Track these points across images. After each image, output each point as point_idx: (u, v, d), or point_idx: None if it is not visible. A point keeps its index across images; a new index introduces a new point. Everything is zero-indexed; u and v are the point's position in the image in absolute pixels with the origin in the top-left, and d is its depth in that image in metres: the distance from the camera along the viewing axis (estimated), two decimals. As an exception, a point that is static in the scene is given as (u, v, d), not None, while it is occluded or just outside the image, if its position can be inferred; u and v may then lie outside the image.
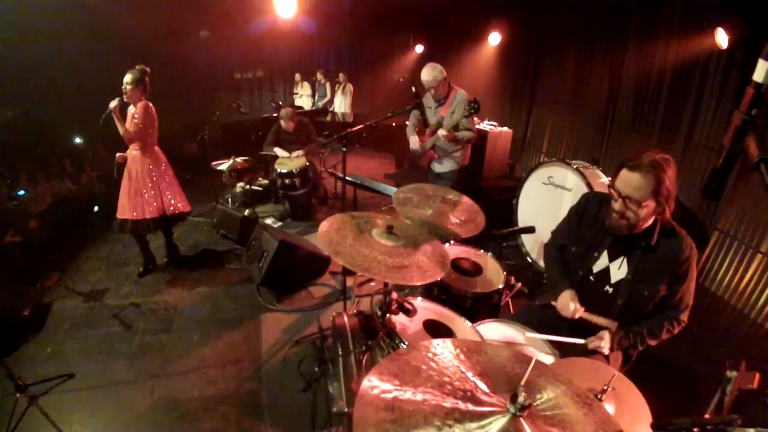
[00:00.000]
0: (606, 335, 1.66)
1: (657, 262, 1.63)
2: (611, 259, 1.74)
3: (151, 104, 3.25)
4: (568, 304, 1.73)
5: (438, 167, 3.49)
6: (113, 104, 3.08)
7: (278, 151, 4.72)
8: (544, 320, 1.86)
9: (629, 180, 1.52)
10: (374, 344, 1.59)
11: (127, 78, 3.10)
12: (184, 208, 3.60)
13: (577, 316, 1.72)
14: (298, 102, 8.25)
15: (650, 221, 1.60)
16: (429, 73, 3.20)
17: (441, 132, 3.13)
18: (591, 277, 1.78)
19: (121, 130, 3.14)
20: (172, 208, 3.47)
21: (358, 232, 1.67)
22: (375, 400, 0.87)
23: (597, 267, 1.77)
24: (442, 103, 3.31)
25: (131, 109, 3.22)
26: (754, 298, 3.12)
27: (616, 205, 1.58)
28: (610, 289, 1.74)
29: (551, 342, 1.73)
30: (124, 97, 3.12)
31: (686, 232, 1.65)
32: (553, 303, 1.83)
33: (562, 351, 1.71)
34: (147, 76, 3.17)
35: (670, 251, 1.61)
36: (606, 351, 1.64)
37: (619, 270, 1.72)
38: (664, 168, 1.48)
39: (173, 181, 3.53)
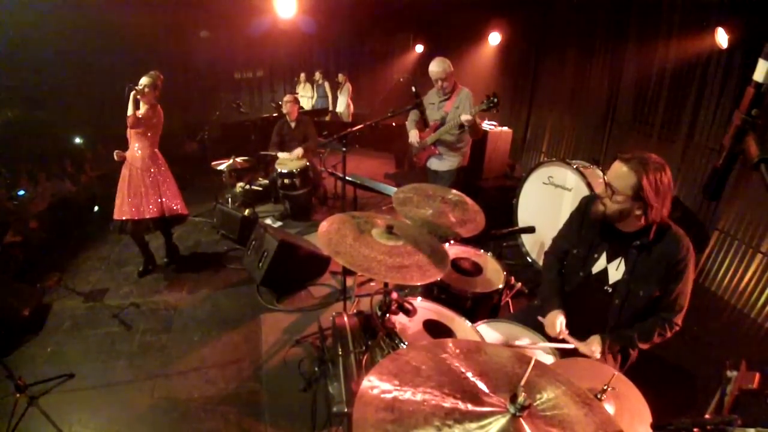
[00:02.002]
0: (597, 339, 1.67)
1: (653, 262, 1.63)
2: (609, 259, 1.74)
3: (160, 107, 3.35)
4: (555, 324, 1.75)
5: (437, 165, 3.47)
6: (140, 86, 3.17)
7: (281, 154, 4.74)
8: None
9: (615, 168, 1.59)
10: (374, 344, 1.60)
11: (145, 81, 3.21)
12: (182, 211, 3.61)
13: (560, 337, 1.74)
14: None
15: (639, 221, 1.60)
16: (438, 65, 3.19)
17: (465, 117, 3.02)
18: (591, 278, 1.79)
19: (129, 111, 3.17)
20: (170, 210, 3.48)
21: (358, 232, 1.67)
22: (375, 400, 0.87)
23: (596, 268, 1.78)
24: (447, 98, 3.30)
25: (142, 108, 3.26)
26: (754, 298, 3.12)
27: (599, 191, 1.66)
28: (610, 289, 1.74)
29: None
30: (139, 96, 3.17)
31: (684, 233, 1.64)
32: (540, 319, 1.84)
33: (558, 349, 1.71)
34: (160, 81, 3.30)
35: (666, 251, 1.61)
36: (597, 355, 1.65)
37: (616, 270, 1.72)
38: (651, 170, 1.51)
39: (172, 182, 3.53)
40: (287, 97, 4.75)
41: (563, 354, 1.69)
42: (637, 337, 1.66)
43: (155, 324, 3.05)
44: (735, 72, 3.26)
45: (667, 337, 1.67)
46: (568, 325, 1.76)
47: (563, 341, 1.71)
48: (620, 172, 1.56)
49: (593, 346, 1.66)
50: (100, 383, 2.51)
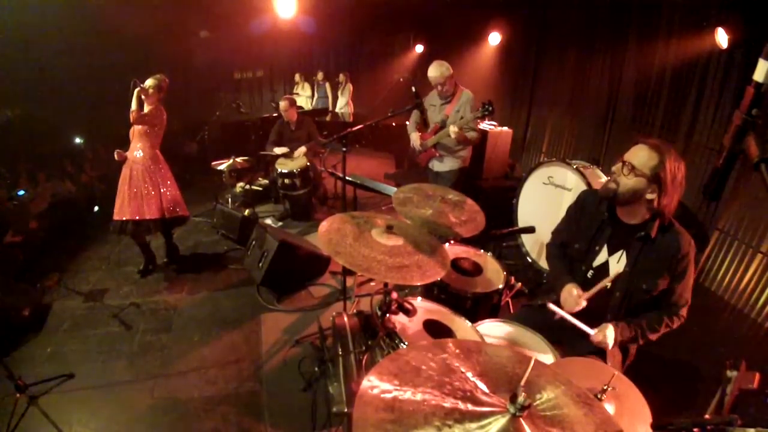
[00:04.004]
0: (610, 327, 1.63)
1: (656, 256, 1.64)
2: (611, 252, 1.75)
3: (163, 109, 3.37)
4: (572, 292, 1.71)
5: (438, 166, 3.47)
6: (146, 87, 3.20)
7: (278, 150, 4.71)
8: (544, 320, 1.86)
9: (636, 149, 1.61)
10: (374, 344, 1.60)
11: (150, 83, 3.24)
12: (183, 213, 3.60)
13: (582, 304, 1.68)
14: (297, 102, 8.24)
15: (646, 209, 1.61)
16: (436, 70, 3.19)
17: (453, 128, 3.06)
18: (590, 272, 1.79)
19: (132, 107, 3.19)
20: (171, 211, 3.48)
21: (358, 232, 1.67)
22: (375, 400, 0.87)
23: (597, 261, 1.78)
24: (448, 101, 3.30)
25: (145, 109, 3.28)
26: (754, 298, 3.12)
27: (614, 167, 1.65)
28: (609, 284, 1.74)
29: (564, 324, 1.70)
30: (143, 96, 3.20)
31: (685, 230, 1.66)
32: (550, 306, 1.81)
33: (562, 351, 1.71)
34: (165, 84, 3.33)
35: (669, 246, 1.62)
36: (610, 343, 1.62)
37: (618, 263, 1.72)
38: (673, 156, 1.55)
39: (173, 184, 3.53)
40: (282, 104, 4.66)
41: (564, 353, 1.69)
42: (646, 325, 1.66)
43: (155, 324, 3.05)
44: (735, 72, 3.26)
45: (673, 328, 1.68)
46: (565, 327, 1.75)
47: (568, 343, 1.69)
48: (642, 153, 1.58)
49: (606, 332, 1.62)
50: (100, 383, 2.51)
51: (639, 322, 1.67)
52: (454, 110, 3.24)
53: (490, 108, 2.98)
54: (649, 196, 1.57)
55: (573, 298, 1.71)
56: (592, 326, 1.69)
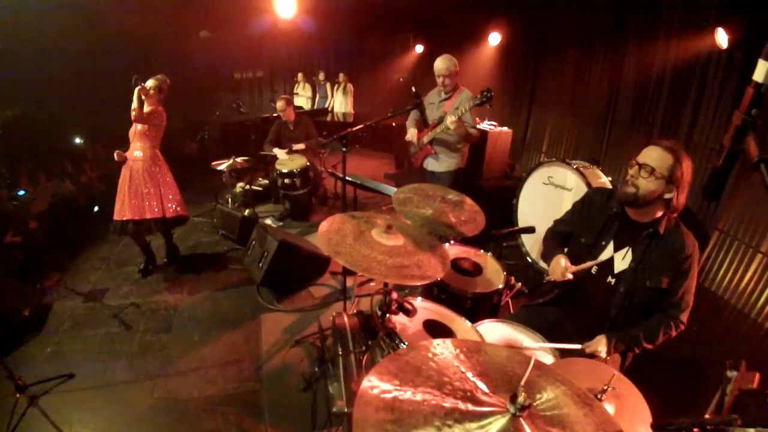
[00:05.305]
0: (603, 339, 1.66)
1: (661, 253, 1.64)
2: (617, 248, 1.75)
3: (163, 109, 3.39)
4: (560, 263, 1.77)
5: (434, 165, 3.40)
6: (147, 85, 3.24)
7: (278, 152, 4.71)
8: (544, 320, 1.87)
9: (650, 151, 1.61)
10: (374, 344, 1.59)
11: (151, 83, 3.28)
12: (183, 213, 3.61)
13: (568, 275, 1.74)
14: (297, 102, 8.25)
15: (658, 211, 1.63)
16: (444, 62, 3.16)
17: (451, 118, 2.99)
18: (594, 268, 1.79)
19: (134, 105, 3.20)
20: (171, 211, 3.47)
21: (358, 232, 1.67)
22: (375, 400, 0.87)
23: (602, 257, 1.78)
24: (447, 97, 3.27)
25: (145, 108, 3.29)
26: (754, 298, 3.12)
27: (631, 171, 1.64)
28: (613, 280, 1.75)
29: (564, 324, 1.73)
30: (143, 96, 3.22)
31: (689, 231, 1.67)
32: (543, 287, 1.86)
33: (562, 350, 1.71)
34: (166, 85, 3.37)
35: (675, 246, 1.63)
36: (603, 355, 1.65)
37: (623, 260, 1.73)
38: (685, 156, 1.57)
39: (173, 183, 3.53)
40: (279, 104, 4.66)
41: (563, 353, 1.69)
42: (642, 336, 1.66)
43: (155, 324, 3.05)
44: (735, 72, 3.26)
45: (671, 336, 1.67)
46: (570, 320, 1.76)
47: (568, 342, 1.70)
48: (657, 154, 1.58)
49: (599, 346, 1.65)
50: (100, 383, 2.51)
51: (635, 333, 1.67)
52: (452, 107, 3.22)
53: (489, 95, 2.92)
54: (667, 196, 1.59)
55: (561, 268, 1.76)
56: (594, 328, 1.70)
